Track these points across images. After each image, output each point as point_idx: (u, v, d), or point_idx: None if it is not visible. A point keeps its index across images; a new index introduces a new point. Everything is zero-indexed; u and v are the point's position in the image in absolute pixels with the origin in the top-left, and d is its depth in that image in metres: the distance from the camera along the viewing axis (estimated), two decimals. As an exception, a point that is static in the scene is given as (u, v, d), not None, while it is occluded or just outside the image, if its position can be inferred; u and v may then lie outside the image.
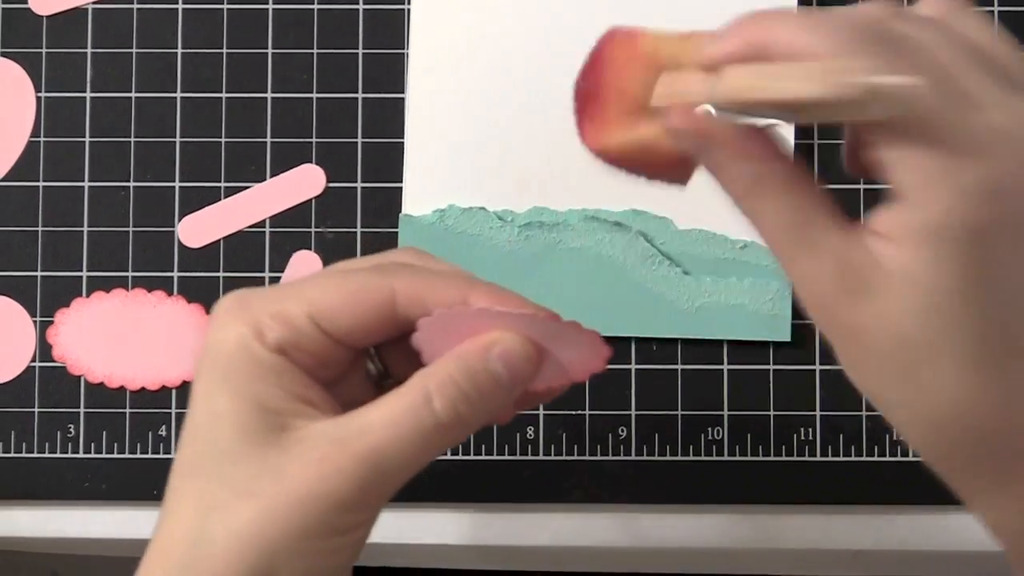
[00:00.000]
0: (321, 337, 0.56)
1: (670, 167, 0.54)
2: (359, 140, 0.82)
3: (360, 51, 0.83)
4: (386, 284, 0.56)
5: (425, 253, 0.61)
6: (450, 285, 0.57)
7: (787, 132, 0.79)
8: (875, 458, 0.80)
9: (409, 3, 0.83)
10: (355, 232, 0.82)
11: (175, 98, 0.83)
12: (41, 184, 0.82)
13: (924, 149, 0.46)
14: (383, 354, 0.60)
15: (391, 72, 0.82)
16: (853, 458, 0.80)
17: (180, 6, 0.83)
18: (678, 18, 0.81)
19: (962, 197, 0.46)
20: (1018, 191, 0.46)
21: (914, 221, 0.47)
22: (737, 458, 0.80)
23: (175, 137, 0.82)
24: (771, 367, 0.80)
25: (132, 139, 0.82)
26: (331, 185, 0.82)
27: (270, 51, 0.83)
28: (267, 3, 0.83)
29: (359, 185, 0.82)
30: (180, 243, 0.82)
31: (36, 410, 0.81)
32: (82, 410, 0.81)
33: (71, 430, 0.81)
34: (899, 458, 0.79)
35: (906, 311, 0.47)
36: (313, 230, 0.82)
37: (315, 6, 0.83)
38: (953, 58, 0.47)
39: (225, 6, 0.83)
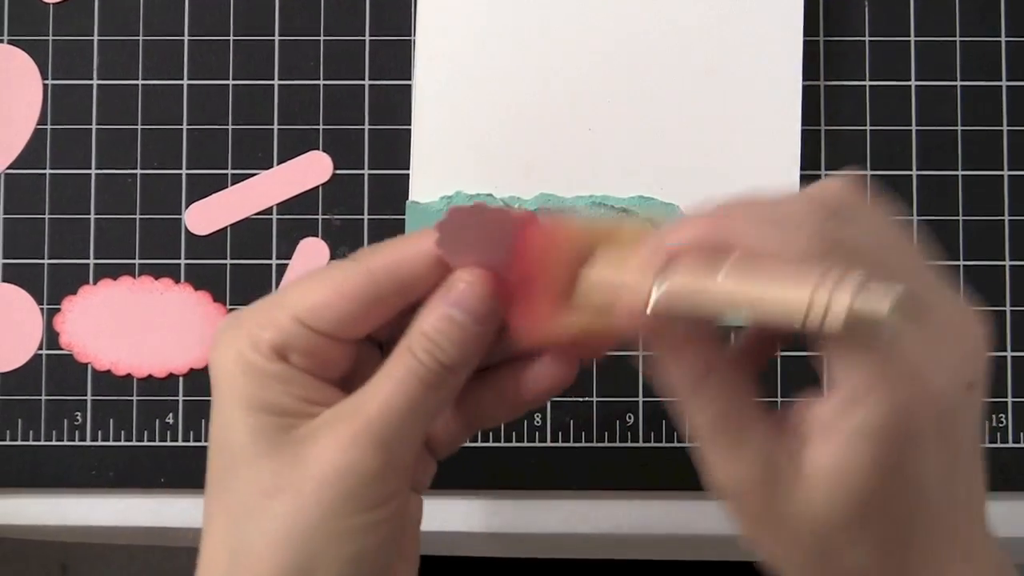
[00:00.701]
0: (313, 335, 0.57)
1: (595, 349, 0.59)
2: (366, 127, 0.82)
3: (367, 38, 0.82)
4: (362, 267, 0.57)
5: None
6: (414, 239, 0.58)
7: (793, 120, 0.79)
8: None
9: (416, -10, 0.82)
10: (362, 219, 0.81)
11: (182, 85, 0.82)
12: (48, 172, 0.82)
13: (879, 359, 0.49)
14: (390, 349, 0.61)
15: (398, 59, 0.82)
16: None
17: (187, -7, 0.83)
18: (677, 17, 0.81)
19: (905, 405, 0.49)
20: (950, 405, 0.50)
21: (853, 419, 0.49)
22: (744, 444, 0.79)
23: (182, 124, 0.82)
24: (778, 353, 0.79)
25: (139, 126, 0.82)
26: (338, 172, 0.81)
27: (277, 38, 0.82)
28: (274, -10, 0.83)
29: (366, 172, 0.81)
30: (187, 230, 0.81)
31: (43, 398, 0.81)
32: (89, 398, 0.81)
33: (78, 418, 0.81)
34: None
35: (834, 502, 0.50)
36: (320, 217, 0.81)
37: (322, -8, 0.83)
38: (904, 265, 0.52)
39: (232, -8, 0.83)
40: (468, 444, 0.78)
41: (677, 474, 0.79)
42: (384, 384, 0.56)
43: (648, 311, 0.50)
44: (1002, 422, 0.79)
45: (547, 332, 0.55)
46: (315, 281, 0.58)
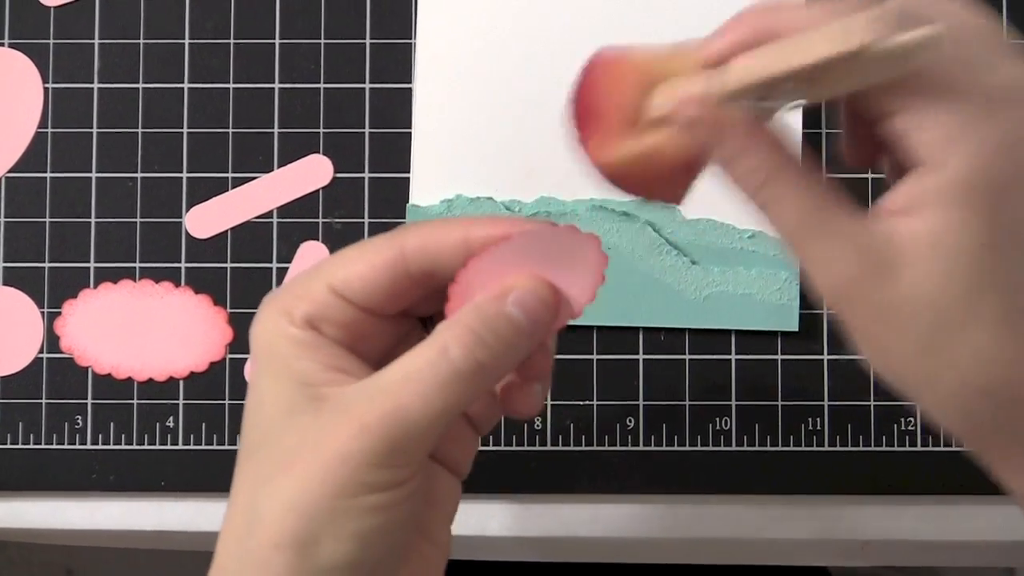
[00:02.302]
0: (346, 306, 0.57)
1: (669, 180, 0.54)
2: (367, 130, 0.81)
3: (368, 41, 0.81)
4: (394, 243, 0.57)
5: None
6: (450, 225, 0.57)
7: (795, 123, 0.78)
8: (883, 448, 0.78)
9: (416, -6, 0.81)
10: (363, 222, 0.80)
11: (182, 89, 0.81)
12: (48, 175, 0.81)
13: (942, 108, 0.46)
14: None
15: (399, 62, 0.81)
16: (861, 448, 0.78)
17: (187, -4, 0.82)
18: (676, 20, 0.80)
19: (983, 153, 0.45)
20: None
21: (937, 183, 0.46)
22: (745, 448, 0.78)
23: (183, 128, 0.81)
24: (779, 357, 0.79)
25: (139, 130, 0.81)
26: (339, 175, 0.80)
27: (277, 41, 0.81)
28: (274, -6, 0.82)
29: (367, 175, 0.80)
30: (187, 234, 0.80)
31: (44, 401, 0.80)
32: (90, 401, 0.80)
33: (78, 421, 0.80)
34: (907, 448, 0.78)
35: (935, 278, 0.46)
36: (321, 220, 0.80)
37: (322, -4, 0.82)
38: (960, 23, 0.47)
39: (232, -4, 0.82)
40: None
41: (678, 477, 0.79)
42: (406, 377, 0.54)
43: (710, 101, 0.49)
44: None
45: (617, 154, 0.53)
46: (351, 253, 0.58)
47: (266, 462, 0.55)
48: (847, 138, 0.54)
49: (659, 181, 0.54)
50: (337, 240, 0.80)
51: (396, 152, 0.80)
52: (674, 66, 0.52)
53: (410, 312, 0.60)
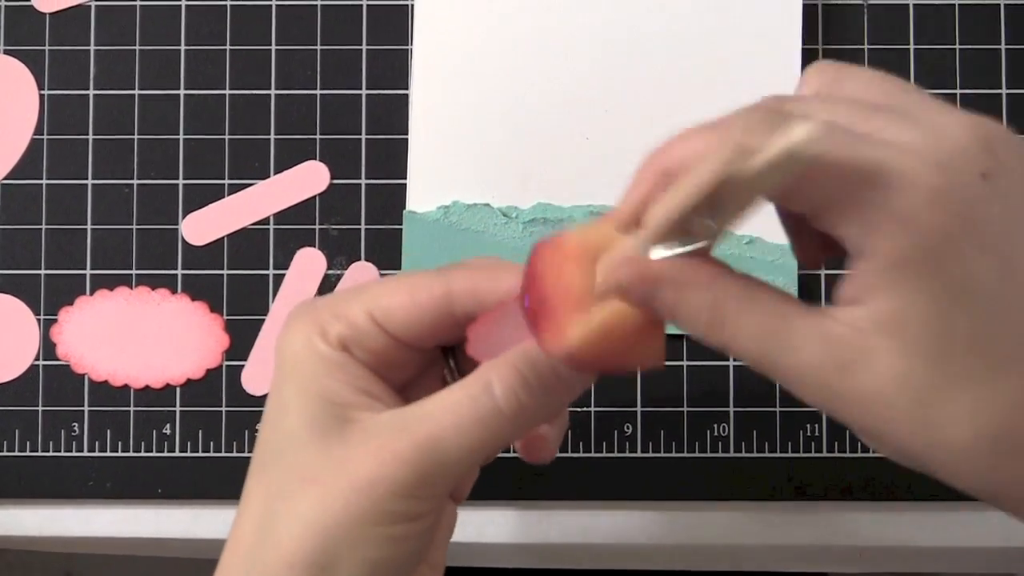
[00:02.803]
0: (382, 335, 0.57)
1: (638, 344, 0.53)
2: (363, 137, 0.80)
3: (364, 47, 0.80)
4: (442, 280, 0.57)
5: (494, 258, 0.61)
6: (501, 271, 0.56)
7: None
8: (879, 455, 0.77)
9: (413, -1, 0.81)
10: (359, 229, 0.79)
11: (178, 95, 0.80)
12: (44, 182, 0.80)
13: (847, 196, 0.45)
14: (459, 362, 0.61)
15: (395, 68, 0.80)
16: (859, 454, 0.77)
17: (183, 3, 0.81)
18: (674, 25, 0.79)
19: (902, 226, 0.45)
20: (955, 196, 0.45)
21: (876, 269, 0.45)
22: (743, 454, 0.78)
23: (178, 134, 0.80)
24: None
25: (135, 136, 0.80)
26: (335, 182, 0.80)
27: (273, 47, 0.80)
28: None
29: (363, 182, 0.80)
30: (184, 241, 0.80)
31: (40, 409, 0.79)
32: (86, 408, 0.79)
33: (75, 429, 0.79)
34: (905, 454, 0.77)
35: (900, 361, 0.46)
36: (317, 227, 0.79)
37: (319, 2, 0.80)
38: (845, 113, 0.47)
39: (228, 2, 0.81)
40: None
41: (676, 484, 0.78)
42: (446, 411, 0.54)
43: (634, 259, 0.49)
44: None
45: (577, 337, 0.52)
46: (395, 284, 0.58)
47: (285, 475, 0.55)
48: (791, 240, 0.54)
49: (630, 349, 0.53)
50: (334, 247, 0.79)
51: (393, 158, 0.80)
52: (607, 235, 0.52)
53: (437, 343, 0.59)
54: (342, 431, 0.54)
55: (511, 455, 0.77)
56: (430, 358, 0.60)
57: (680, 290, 0.48)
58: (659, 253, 0.49)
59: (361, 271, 0.79)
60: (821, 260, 0.53)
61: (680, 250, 0.48)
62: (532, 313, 0.53)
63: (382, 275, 0.79)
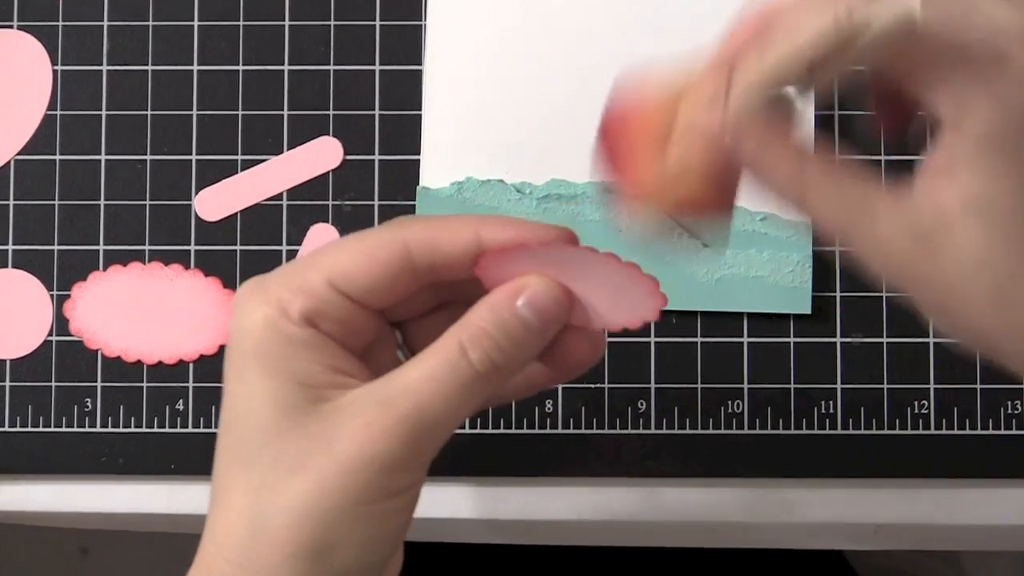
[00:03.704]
0: (344, 301, 0.54)
1: (714, 189, 0.52)
2: (376, 112, 0.79)
3: (377, 23, 0.79)
4: (398, 236, 0.54)
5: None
6: (460, 223, 0.55)
7: (807, 104, 0.76)
8: (896, 431, 0.76)
9: (427, -25, 0.79)
10: (372, 205, 0.78)
11: (192, 71, 0.79)
12: (58, 158, 0.79)
13: (946, 68, 0.45)
14: (409, 337, 0.59)
15: (409, 44, 0.79)
16: (874, 431, 0.76)
17: (197, -22, 0.80)
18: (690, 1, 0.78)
19: (997, 103, 0.44)
20: None
21: (962, 145, 0.45)
22: (757, 431, 0.76)
23: (192, 110, 0.79)
24: (791, 340, 0.77)
25: (149, 112, 0.79)
26: (348, 158, 0.79)
27: (287, 23, 0.79)
28: (284, -25, 0.80)
29: (376, 158, 0.78)
30: (197, 216, 0.79)
31: (53, 384, 0.78)
32: (99, 384, 0.78)
33: (88, 404, 0.78)
34: (920, 431, 0.76)
35: (982, 239, 0.45)
36: (330, 203, 0.78)
37: (332, -23, 0.80)
38: None
39: (242, -23, 0.80)
40: (479, 431, 0.77)
41: (690, 461, 0.77)
42: (427, 379, 0.53)
43: (726, 109, 0.48)
44: (1017, 408, 0.77)
45: (655, 180, 0.52)
46: (349, 245, 0.55)
47: (267, 465, 0.52)
48: (876, 107, 0.53)
49: (704, 194, 0.52)
50: (347, 222, 0.78)
51: (406, 134, 0.79)
52: (691, 82, 0.51)
53: (390, 313, 0.58)
54: (320, 412, 0.53)
55: (524, 431, 0.77)
56: (384, 322, 0.58)
57: (766, 145, 0.49)
58: (747, 104, 0.48)
59: (320, 233, 0.79)
60: (903, 131, 0.53)
61: (768, 102, 0.48)
62: (612, 155, 0.53)
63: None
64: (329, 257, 0.55)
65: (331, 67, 0.79)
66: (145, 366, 0.78)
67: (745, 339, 0.77)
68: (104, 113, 0.79)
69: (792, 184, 0.49)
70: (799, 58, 0.45)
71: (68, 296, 0.79)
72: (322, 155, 0.79)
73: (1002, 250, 0.45)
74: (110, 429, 0.78)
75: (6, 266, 0.79)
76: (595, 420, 0.77)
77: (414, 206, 0.78)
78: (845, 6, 0.43)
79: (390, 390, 0.53)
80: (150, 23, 0.80)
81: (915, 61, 0.45)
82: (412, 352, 0.57)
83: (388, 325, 0.59)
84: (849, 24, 0.43)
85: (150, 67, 0.80)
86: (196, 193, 0.79)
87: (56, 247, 0.79)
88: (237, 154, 0.79)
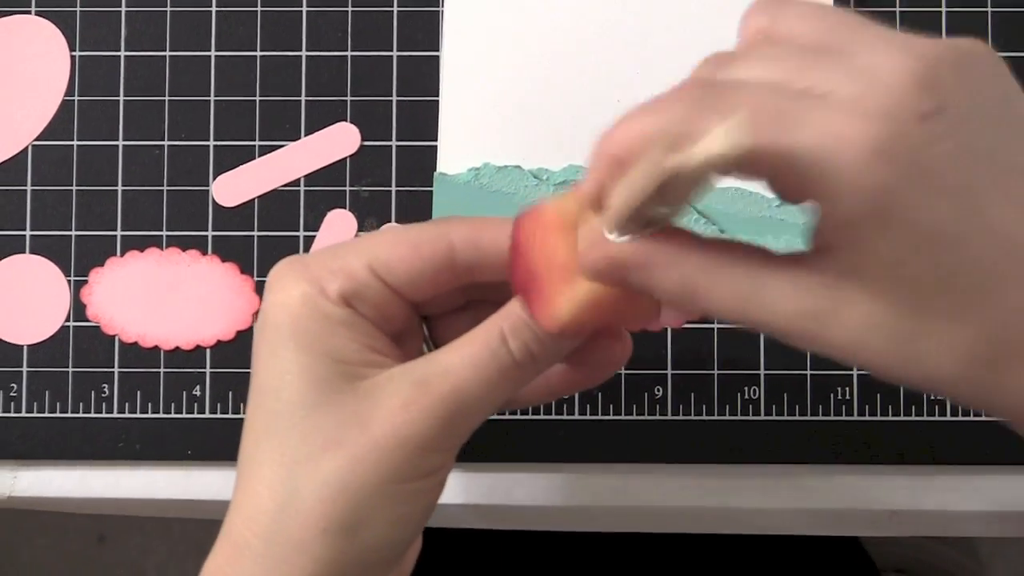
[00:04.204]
0: (383, 288, 0.55)
1: (631, 310, 0.52)
2: (394, 98, 0.78)
3: (395, 9, 0.78)
4: (443, 231, 0.55)
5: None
6: (504, 223, 0.55)
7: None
8: (912, 417, 0.76)
9: (444, -38, 0.79)
10: (390, 191, 0.78)
11: (209, 57, 0.79)
12: (75, 143, 0.78)
13: (794, 174, 0.44)
14: (435, 331, 0.60)
15: (426, 30, 0.78)
16: (890, 417, 0.76)
17: (214, -37, 0.79)
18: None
19: (849, 188, 0.43)
20: (896, 147, 0.43)
21: (833, 228, 0.45)
22: (773, 418, 0.76)
23: (209, 96, 0.78)
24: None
25: (166, 98, 0.78)
26: (366, 144, 0.78)
27: (304, 9, 0.79)
28: (301, -38, 0.79)
29: (394, 143, 0.78)
30: (214, 202, 0.78)
31: (70, 370, 0.78)
32: (116, 370, 0.78)
33: (105, 390, 0.77)
34: (936, 417, 0.76)
35: (876, 305, 0.45)
36: (348, 189, 0.78)
37: (350, -37, 0.79)
38: (782, 68, 0.45)
39: (259, -37, 0.79)
40: (495, 417, 0.76)
41: (706, 447, 0.76)
42: (467, 364, 0.53)
43: (602, 242, 0.48)
44: None
45: (565, 307, 0.51)
46: (393, 236, 0.56)
47: (301, 439, 0.53)
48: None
49: (621, 312, 0.52)
50: (364, 208, 0.78)
51: (423, 120, 0.78)
52: (582, 204, 0.51)
53: (422, 306, 0.58)
54: (356, 390, 0.53)
55: (541, 417, 0.77)
56: (415, 314, 0.59)
57: (649, 271, 0.48)
58: (623, 237, 0.48)
59: (337, 219, 0.78)
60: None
61: (640, 233, 0.48)
62: (520, 286, 0.53)
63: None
64: (373, 243, 0.56)
65: (348, 53, 0.79)
66: (162, 352, 0.78)
67: (761, 325, 0.76)
68: (122, 99, 0.79)
69: (683, 294, 0.48)
70: (644, 195, 0.44)
71: (85, 282, 0.78)
72: (339, 141, 0.78)
73: (892, 314, 0.45)
74: (127, 415, 0.77)
75: (24, 252, 0.78)
76: (611, 406, 0.76)
77: (431, 192, 0.77)
78: (672, 137, 0.43)
79: (429, 371, 0.53)
80: (168, 9, 0.79)
81: (761, 173, 0.45)
82: (436, 346, 0.58)
83: (418, 317, 0.59)
84: (680, 154, 0.42)
85: (168, 53, 0.79)
86: (213, 179, 0.78)
87: (73, 233, 0.78)
88: (255, 140, 0.78)
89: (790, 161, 0.43)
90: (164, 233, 0.78)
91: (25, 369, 0.78)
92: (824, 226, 0.45)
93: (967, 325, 0.45)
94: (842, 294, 0.45)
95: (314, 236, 0.78)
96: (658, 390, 0.76)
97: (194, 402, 0.77)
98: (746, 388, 0.76)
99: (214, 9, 0.79)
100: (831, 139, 0.42)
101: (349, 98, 0.78)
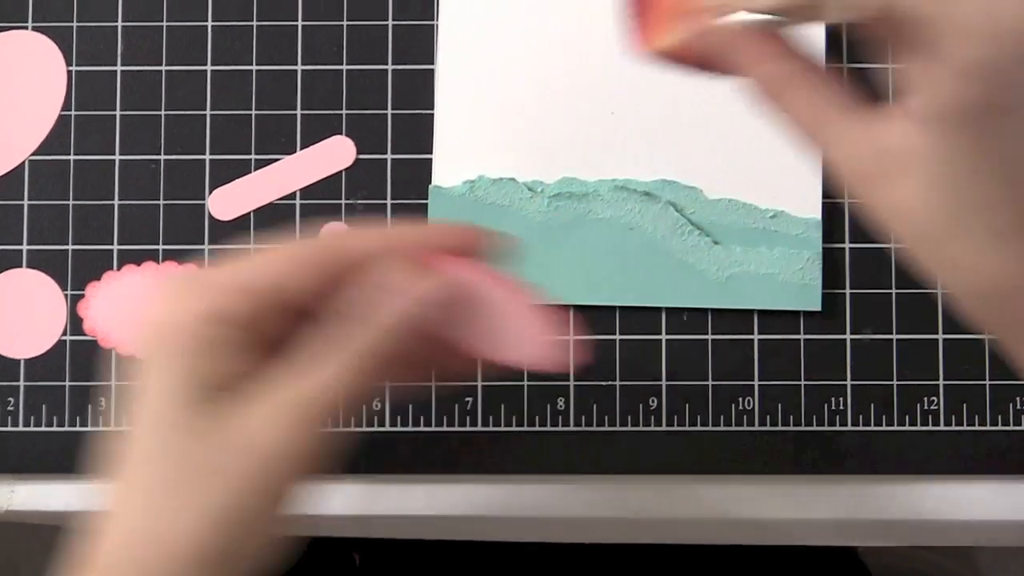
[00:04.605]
0: (255, 301, 0.53)
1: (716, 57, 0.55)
2: (389, 112, 0.78)
3: (390, 22, 0.78)
4: (310, 241, 0.56)
5: None
6: (371, 233, 0.56)
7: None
8: (906, 427, 0.75)
9: (438, -24, 0.79)
10: (385, 203, 0.77)
11: (205, 71, 0.79)
12: (72, 158, 0.78)
13: (915, 40, 0.47)
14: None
15: (421, 43, 0.78)
16: (884, 428, 0.75)
17: (210, -22, 0.79)
18: None
19: (953, 79, 0.46)
20: (1006, 68, 0.46)
21: (919, 107, 0.47)
22: (768, 428, 0.76)
23: (205, 110, 0.78)
24: (802, 336, 0.76)
25: (163, 112, 0.78)
26: (361, 157, 0.78)
27: (300, 23, 0.79)
28: (297, -24, 0.79)
29: (389, 156, 0.78)
30: (211, 216, 0.78)
31: (67, 384, 0.77)
32: (113, 383, 0.77)
33: (102, 404, 0.77)
34: (930, 427, 0.75)
35: (923, 192, 0.48)
36: (343, 202, 0.78)
37: (345, -22, 0.79)
38: None
39: (255, -22, 0.79)
40: (489, 428, 0.76)
41: (701, 457, 0.76)
42: (326, 370, 0.52)
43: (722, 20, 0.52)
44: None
45: (669, 39, 0.55)
46: (263, 252, 0.55)
47: (172, 470, 0.51)
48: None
49: (706, 59, 0.55)
50: (360, 222, 0.77)
51: (419, 133, 0.78)
52: None
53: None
54: (226, 414, 0.51)
55: (536, 429, 0.76)
56: (291, 320, 0.57)
57: (745, 57, 0.52)
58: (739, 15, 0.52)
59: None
60: None
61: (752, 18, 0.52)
62: (634, 14, 0.56)
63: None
64: (244, 260, 0.55)
65: (344, 67, 0.79)
66: (159, 365, 0.77)
67: (755, 336, 0.76)
68: (118, 113, 0.79)
69: (767, 91, 0.52)
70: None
71: (82, 296, 0.78)
72: (335, 154, 0.78)
73: (935, 210, 0.48)
74: (124, 428, 0.77)
75: (20, 266, 0.78)
76: (607, 417, 0.76)
77: (427, 205, 0.77)
78: None
79: (292, 384, 0.52)
80: (164, 23, 0.79)
81: (892, 28, 0.48)
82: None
83: (298, 319, 0.57)
84: None
85: (164, 67, 0.79)
86: (210, 193, 0.78)
87: (70, 247, 0.78)
88: (251, 153, 0.78)
89: (926, 27, 0.46)
90: (160, 247, 0.78)
91: (22, 383, 0.78)
92: (918, 101, 0.47)
93: (998, 254, 0.48)
94: (908, 164, 0.48)
95: (310, 249, 0.77)
96: (653, 401, 0.76)
97: (191, 415, 0.77)
98: (741, 399, 0.76)
99: (210, 24, 0.79)
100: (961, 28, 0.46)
101: (345, 111, 0.78)
